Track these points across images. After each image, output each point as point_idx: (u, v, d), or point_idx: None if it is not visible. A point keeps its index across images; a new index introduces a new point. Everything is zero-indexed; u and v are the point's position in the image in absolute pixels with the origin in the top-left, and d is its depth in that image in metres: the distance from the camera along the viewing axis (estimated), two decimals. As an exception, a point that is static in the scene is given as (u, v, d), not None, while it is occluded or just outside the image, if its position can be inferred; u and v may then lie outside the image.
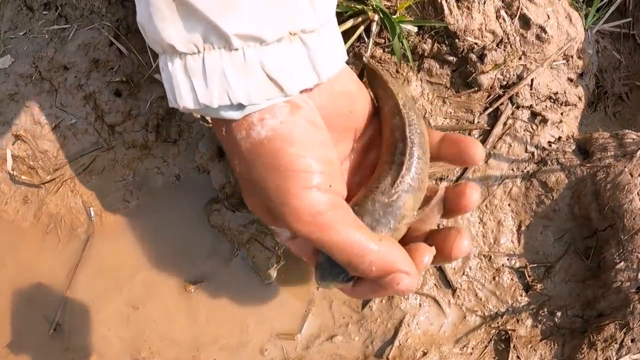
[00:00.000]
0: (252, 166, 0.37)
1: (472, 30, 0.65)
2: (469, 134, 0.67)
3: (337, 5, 0.62)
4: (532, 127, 0.67)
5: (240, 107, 0.36)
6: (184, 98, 0.36)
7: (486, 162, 0.66)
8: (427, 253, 0.39)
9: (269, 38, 0.35)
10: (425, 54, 0.66)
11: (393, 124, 0.44)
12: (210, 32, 0.34)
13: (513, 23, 0.67)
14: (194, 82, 0.35)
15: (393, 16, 0.63)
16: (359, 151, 0.46)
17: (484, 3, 0.65)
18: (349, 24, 0.62)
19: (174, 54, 0.36)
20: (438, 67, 0.66)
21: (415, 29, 0.65)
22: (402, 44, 0.63)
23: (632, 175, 0.62)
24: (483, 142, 0.66)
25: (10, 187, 0.73)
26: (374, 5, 0.62)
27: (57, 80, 0.71)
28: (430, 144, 0.44)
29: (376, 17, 0.63)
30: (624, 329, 0.63)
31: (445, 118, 0.67)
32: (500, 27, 0.66)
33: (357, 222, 0.38)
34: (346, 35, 0.62)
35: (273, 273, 0.67)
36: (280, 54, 0.36)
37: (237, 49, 0.35)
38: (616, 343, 0.63)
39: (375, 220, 0.39)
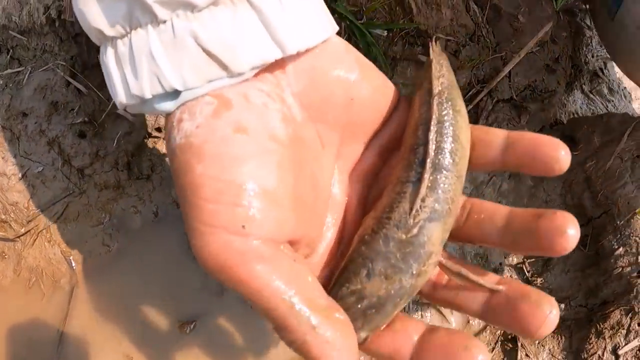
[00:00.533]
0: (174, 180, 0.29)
1: (444, 27, 0.63)
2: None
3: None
4: (515, 120, 0.65)
5: (177, 94, 0.29)
6: (118, 93, 0.30)
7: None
8: (480, 354, 0.28)
9: (200, 2, 0.28)
10: (398, 57, 0.64)
11: (418, 118, 0.32)
12: (133, 6, 0.28)
13: (484, 14, 0.64)
14: (125, 71, 0.29)
15: (360, 21, 0.60)
16: (378, 154, 0.36)
17: (452, -3, 0.63)
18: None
19: (106, 41, 0.30)
20: (410, 71, 0.63)
21: (385, 33, 0.62)
22: (373, 50, 0.61)
23: (622, 159, 0.60)
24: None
25: (-17, 243, 0.70)
26: (340, 13, 0.59)
27: (17, 127, 0.67)
28: (491, 145, 0.32)
29: (343, 25, 0.60)
30: (630, 314, 0.62)
31: (426, 121, 0.65)
32: (472, 19, 0.64)
33: (292, 283, 0.27)
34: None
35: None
36: (218, 21, 0.28)
37: (164, 21, 0.28)
38: (623, 329, 0.62)
39: (390, 266, 0.29)
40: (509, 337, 0.64)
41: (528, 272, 0.65)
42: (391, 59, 0.63)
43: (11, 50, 0.69)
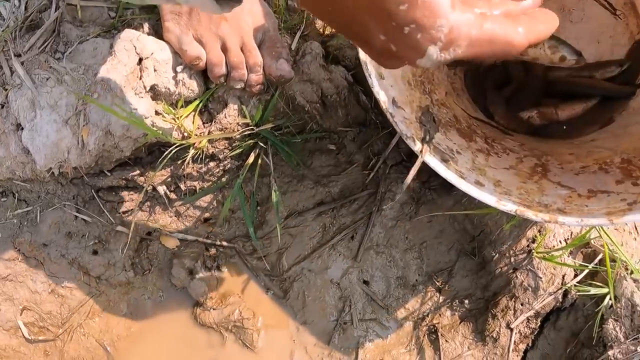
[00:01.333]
0: None
1: (343, 122, 0.86)
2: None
3: (237, 145, 0.81)
4: (405, 176, 0.88)
5: None
6: None
7: (382, 213, 0.88)
8: None
9: None
10: (312, 150, 0.87)
11: None
12: None
13: (372, 101, 0.87)
14: None
15: (280, 135, 0.82)
16: None
17: (344, 100, 0.86)
18: (251, 158, 0.81)
19: None
20: (324, 158, 0.86)
21: (299, 139, 0.84)
22: (293, 156, 0.83)
23: (482, 194, 0.84)
24: (373, 200, 0.88)
25: (28, 347, 0.90)
26: (264, 136, 0.81)
27: (41, 256, 0.88)
28: None
29: (269, 142, 0.82)
30: (513, 299, 0.87)
31: (344, 190, 0.88)
32: (363, 109, 0.87)
33: None
34: (252, 164, 0.81)
35: (259, 342, 0.88)
36: None
37: None
38: (511, 310, 0.87)
39: None
40: (432, 330, 0.89)
41: (438, 281, 0.89)
42: (309, 152, 0.86)
43: (17, 194, 0.90)
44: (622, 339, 0.83)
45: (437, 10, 0.32)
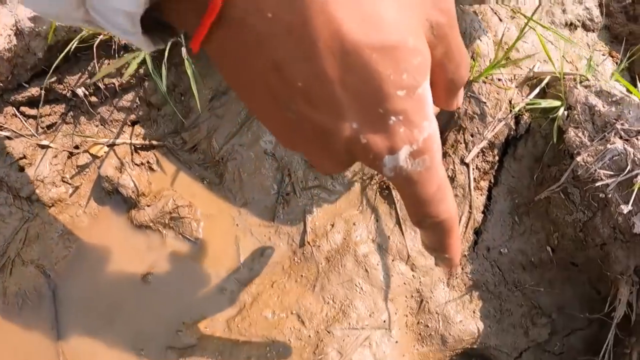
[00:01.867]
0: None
1: None
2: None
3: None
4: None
5: None
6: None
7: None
8: None
9: None
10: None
11: None
12: None
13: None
14: None
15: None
16: None
17: None
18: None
19: None
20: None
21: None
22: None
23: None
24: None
25: (-32, 290, 0.85)
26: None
27: (-31, 186, 0.86)
28: None
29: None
30: (461, 131, 0.80)
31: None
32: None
33: None
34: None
35: (200, 231, 0.81)
36: None
37: None
38: (461, 143, 0.80)
39: None
40: (384, 186, 0.81)
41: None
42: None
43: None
44: (588, 143, 0.75)
45: (427, 110, 0.27)
